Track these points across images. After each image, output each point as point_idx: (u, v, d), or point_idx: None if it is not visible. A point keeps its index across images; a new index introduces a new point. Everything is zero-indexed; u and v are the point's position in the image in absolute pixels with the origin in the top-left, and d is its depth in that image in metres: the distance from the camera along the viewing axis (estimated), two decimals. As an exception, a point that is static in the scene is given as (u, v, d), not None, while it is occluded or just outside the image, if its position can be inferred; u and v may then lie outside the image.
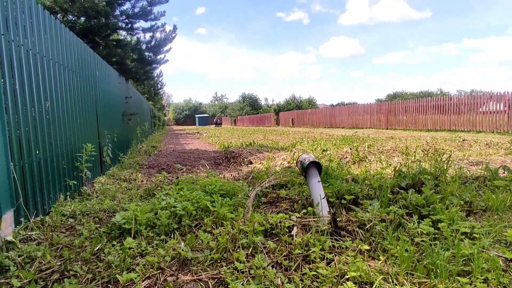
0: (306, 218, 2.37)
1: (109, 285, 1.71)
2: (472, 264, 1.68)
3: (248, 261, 1.87)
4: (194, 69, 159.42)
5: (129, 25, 9.24)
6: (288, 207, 2.76)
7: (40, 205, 2.83)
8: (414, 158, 5.41)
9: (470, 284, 1.56)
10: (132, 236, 2.26)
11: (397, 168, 3.55)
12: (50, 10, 6.82)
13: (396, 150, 6.52)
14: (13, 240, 2.16)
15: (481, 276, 1.62)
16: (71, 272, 1.83)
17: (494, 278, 1.59)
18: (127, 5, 8.91)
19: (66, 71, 3.67)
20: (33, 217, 2.65)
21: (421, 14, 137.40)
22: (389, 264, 1.79)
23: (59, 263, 1.94)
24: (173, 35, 10.37)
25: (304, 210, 2.51)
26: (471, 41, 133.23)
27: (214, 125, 43.79)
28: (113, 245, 2.15)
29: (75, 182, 3.58)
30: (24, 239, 2.31)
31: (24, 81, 2.69)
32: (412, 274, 1.67)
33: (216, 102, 74.26)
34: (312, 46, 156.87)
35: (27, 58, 2.77)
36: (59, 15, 7.73)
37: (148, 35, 9.97)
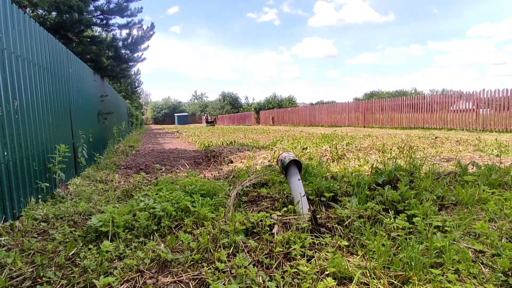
0: (286, 216, 2.39)
1: (85, 291, 1.65)
2: (444, 256, 1.76)
3: (230, 261, 1.86)
4: (171, 68, 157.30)
5: (104, 21, 8.95)
6: (269, 205, 2.78)
7: (9, 209, 2.69)
8: (390, 155, 5.59)
9: (443, 275, 1.63)
10: (110, 239, 2.20)
11: (374, 165, 3.66)
12: (18, 4, 6.48)
13: (373, 148, 6.71)
14: (-20, 247, 2.04)
15: (452, 267, 1.69)
16: (44, 278, 1.75)
17: (464, 269, 1.68)
18: (102, 0, 8.63)
19: (36, 68, 3.51)
20: (2, 222, 2.52)
21: (385, 18, 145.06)
22: (367, 258, 1.84)
23: (31, 269, 1.86)
24: (151, 32, 10.14)
25: (285, 208, 2.53)
26: (435, 43, 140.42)
27: (206, 124, 37.32)
28: (89, 249, 2.07)
29: (48, 185, 3.43)
30: (-8, 246, 2.18)
31: (-10, 78, 2.54)
32: (389, 268, 1.72)
33: (196, 101, 73.41)
34: (286, 47, 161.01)
35: (-7, 55, 2.62)
36: (28, 9, 7.37)
37: (124, 32, 9.69)
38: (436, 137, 9.03)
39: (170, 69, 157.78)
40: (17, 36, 3.08)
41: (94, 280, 1.66)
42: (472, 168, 3.81)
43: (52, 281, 1.73)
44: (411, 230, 2.17)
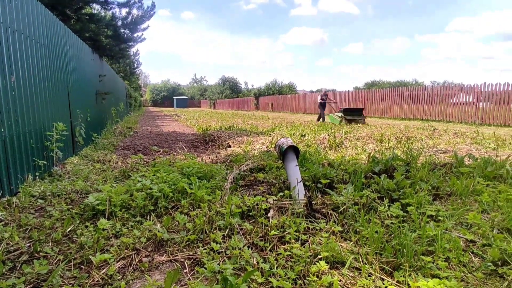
0: (282, 201, 2.41)
1: (81, 266, 1.68)
2: (435, 244, 1.79)
3: (225, 242, 1.89)
4: (167, 51, 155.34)
5: (104, -1, 8.71)
6: (266, 190, 2.80)
7: (6, 185, 2.70)
8: (388, 145, 5.61)
9: (433, 263, 1.66)
10: (106, 217, 2.22)
11: (371, 154, 3.67)
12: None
13: (371, 137, 6.72)
14: (-23, 221, 2.06)
15: (443, 255, 1.73)
16: (41, 253, 1.77)
17: (455, 257, 1.71)
18: (101, -23, 8.38)
19: (33, 44, 3.44)
20: (-1, 198, 2.53)
21: (363, 11, 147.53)
22: (360, 244, 1.87)
23: (28, 244, 1.88)
24: (151, 12, 9.90)
25: (281, 193, 2.55)
26: (423, 36, 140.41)
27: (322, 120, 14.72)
28: (86, 226, 2.10)
29: (45, 162, 3.42)
30: (-11, 220, 2.20)
31: (-14, 52, 2.49)
32: (381, 254, 1.75)
33: (196, 84, 72.60)
34: (275, 34, 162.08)
35: (-11, 28, 2.56)
36: (25, -17, 7.14)
37: (124, 11, 9.46)
38: (434, 129, 9.04)
39: (167, 52, 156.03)
40: (14, 10, 3.01)
41: (90, 257, 1.69)
42: (468, 160, 3.84)
43: (49, 256, 1.76)
44: (405, 218, 2.20)
